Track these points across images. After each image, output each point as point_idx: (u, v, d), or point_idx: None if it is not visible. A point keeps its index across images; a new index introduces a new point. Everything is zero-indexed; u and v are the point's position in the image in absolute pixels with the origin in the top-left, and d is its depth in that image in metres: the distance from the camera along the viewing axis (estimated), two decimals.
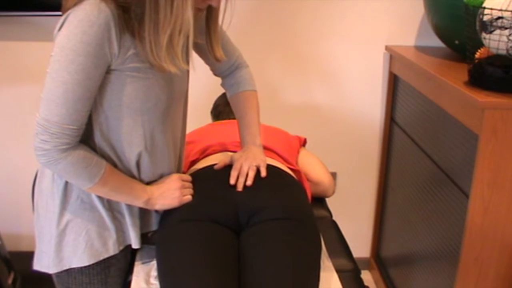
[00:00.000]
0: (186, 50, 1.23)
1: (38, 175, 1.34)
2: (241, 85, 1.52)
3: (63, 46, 1.11)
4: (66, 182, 1.27)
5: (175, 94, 1.30)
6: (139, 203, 1.31)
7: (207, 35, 1.35)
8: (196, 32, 1.26)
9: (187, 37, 1.17)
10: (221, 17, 1.32)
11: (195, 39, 1.35)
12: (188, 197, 1.34)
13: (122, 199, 1.30)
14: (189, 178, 1.40)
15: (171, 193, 1.33)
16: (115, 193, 1.27)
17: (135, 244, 1.35)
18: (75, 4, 1.11)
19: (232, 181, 1.36)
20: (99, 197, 1.29)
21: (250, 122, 1.51)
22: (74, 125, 1.15)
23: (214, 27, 1.33)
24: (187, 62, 1.28)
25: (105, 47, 1.12)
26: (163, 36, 1.13)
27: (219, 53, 1.38)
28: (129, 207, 1.33)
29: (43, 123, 1.14)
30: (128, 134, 1.25)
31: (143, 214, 1.38)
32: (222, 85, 1.56)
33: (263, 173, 1.40)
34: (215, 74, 1.55)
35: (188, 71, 1.40)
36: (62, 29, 1.12)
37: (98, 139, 1.25)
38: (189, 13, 1.13)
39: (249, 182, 1.36)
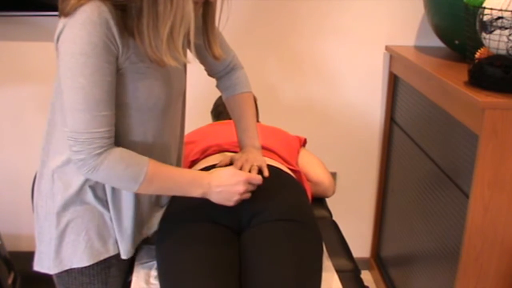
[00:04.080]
0: (187, 43, 1.23)
1: (37, 176, 1.33)
2: (237, 87, 1.51)
3: (72, 52, 1.10)
4: (65, 183, 1.27)
5: (173, 92, 1.29)
6: (194, 195, 1.27)
7: (204, 34, 1.34)
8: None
9: (188, 30, 1.16)
10: (217, 16, 1.32)
11: (187, 47, 1.35)
12: (246, 196, 1.29)
13: (175, 194, 1.27)
14: (259, 180, 1.31)
15: (231, 195, 1.27)
16: (164, 191, 1.25)
17: (124, 254, 1.34)
18: (74, 10, 1.09)
19: None
20: (98, 198, 1.29)
21: (248, 125, 1.50)
22: (102, 128, 1.14)
23: (211, 25, 1.33)
24: (186, 55, 1.28)
25: (111, 44, 1.12)
26: (163, 29, 1.12)
27: (218, 51, 1.37)
28: (133, 218, 1.32)
29: (72, 135, 1.14)
30: (128, 134, 1.25)
31: (148, 218, 1.38)
32: (217, 86, 1.56)
33: (266, 173, 1.39)
34: (210, 75, 1.54)
35: (185, 69, 1.40)
36: (64, 35, 1.11)
37: None
38: (190, 5, 1.12)
39: None
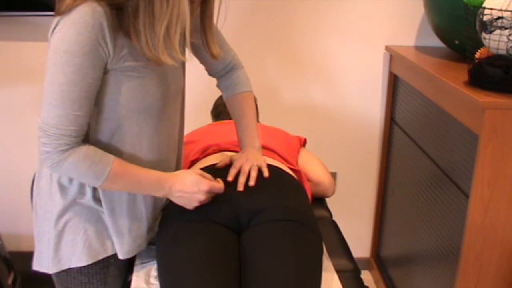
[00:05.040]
0: (183, 41, 1.23)
1: (36, 175, 1.33)
2: (237, 86, 1.51)
3: (58, 49, 1.10)
4: (63, 183, 1.27)
5: (170, 92, 1.29)
6: (157, 196, 1.30)
7: (202, 33, 1.34)
8: (190, 31, 1.26)
9: (184, 28, 1.16)
10: (216, 15, 1.32)
11: (190, 38, 1.35)
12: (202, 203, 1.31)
13: (140, 192, 1.30)
14: (220, 189, 1.31)
15: (190, 201, 1.28)
16: (128, 189, 1.27)
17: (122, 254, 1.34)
18: (70, 10, 1.10)
19: (229, 178, 1.36)
20: (96, 198, 1.29)
21: (248, 125, 1.50)
22: (73, 126, 1.15)
23: (209, 24, 1.33)
24: (184, 53, 1.28)
25: (100, 47, 1.12)
26: (159, 27, 1.12)
27: (216, 50, 1.37)
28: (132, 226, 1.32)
29: (43, 126, 1.15)
30: (124, 134, 1.25)
31: (149, 220, 1.38)
32: (218, 86, 1.55)
33: (266, 173, 1.39)
34: (210, 74, 1.54)
35: (183, 68, 1.40)
36: (56, 32, 1.12)
37: (93, 140, 1.24)
38: (186, 3, 1.13)
39: (251, 183, 1.36)
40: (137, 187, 1.26)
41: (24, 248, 2.50)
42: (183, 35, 1.18)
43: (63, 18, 1.10)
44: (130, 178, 1.24)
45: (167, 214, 1.39)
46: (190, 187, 1.27)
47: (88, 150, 1.19)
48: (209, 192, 1.29)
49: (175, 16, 1.13)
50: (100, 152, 1.21)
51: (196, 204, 1.29)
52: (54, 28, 1.13)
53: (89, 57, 1.11)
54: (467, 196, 1.59)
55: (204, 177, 1.30)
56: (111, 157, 1.21)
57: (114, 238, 1.32)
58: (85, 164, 1.18)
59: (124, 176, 1.23)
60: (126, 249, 1.33)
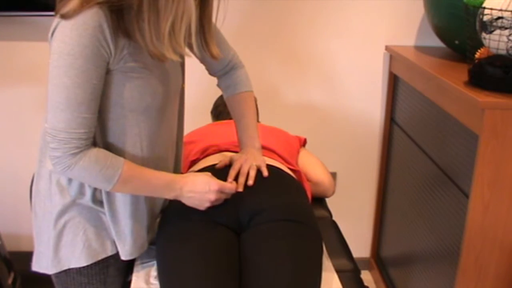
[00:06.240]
0: (188, 36, 1.22)
1: (35, 176, 1.33)
2: (237, 86, 1.51)
3: (60, 52, 1.10)
4: (62, 183, 1.27)
5: (170, 91, 1.29)
6: (167, 197, 1.30)
7: (201, 33, 1.34)
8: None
9: (189, 25, 1.15)
10: (215, 14, 1.32)
11: (188, 39, 1.34)
12: (218, 202, 1.31)
13: (149, 195, 1.30)
14: (231, 189, 1.31)
15: (201, 202, 1.29)
16: (139, 192, 1.27)
17: (124, 255, 1.34)
18: (77, 14, 1.09)
19: (229, 179, 1.36)
20: (96, 198, 1.29)
21: (248, 125, 1.50)
22: (81, 129, 1.15)
23: (208, 25, 1.32)
24: (189, 49, 1.27)
25: (101, 47, 1.12)
26: (164, 24, 1.12)
27: (215, 50, 1.37)
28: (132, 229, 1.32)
29: (51, 132, 1.15)
30: (123, 135, 1.25)
31: (150, 222, 1.38)
32: (218, 85, 1.55)
33: (265, 173, 1.39)
34: (210, 74, 1.54)
35: (183, 67, 1.39)
36: (56, 34, 1.11)
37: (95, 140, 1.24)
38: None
39: (250, 182, 1.36)
40: (148, 189, 1.26)
41: (24, 248, 2.50)
42: (187, 30, 1.17)
43: (63, 20, 1.10)
44: (141, 181, 1.24)
45: (167, 214, 1.39)
46: (200, 187, 1.27)
47: (98, 153, 1.19)
48: (219, 191, 1.28)
49: (180, 13, 1.12)
50: (110, 155, 1.21)
51: (207, 204, 1.28)
52: (54, 30, 1.12)
53: (92, 58, 1.11)
54: (467, 196, 1.59)
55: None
56: (121, 160, 1.21)
57: (116, 240, 1.32)
58: (96, 168, 1.18)
59: (135, 179, 1.23)
60: (128, 250, 1.33)
